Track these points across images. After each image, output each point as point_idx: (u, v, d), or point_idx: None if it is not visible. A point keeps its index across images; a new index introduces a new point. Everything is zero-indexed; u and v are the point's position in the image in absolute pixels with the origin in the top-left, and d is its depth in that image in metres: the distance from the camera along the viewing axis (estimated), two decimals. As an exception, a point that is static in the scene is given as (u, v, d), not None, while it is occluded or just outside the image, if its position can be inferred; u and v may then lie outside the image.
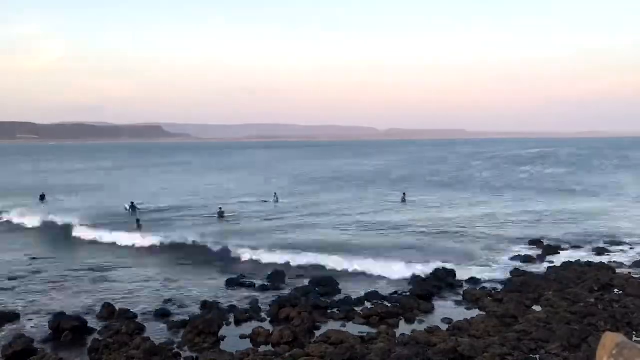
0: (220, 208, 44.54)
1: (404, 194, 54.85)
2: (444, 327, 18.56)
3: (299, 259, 28.43)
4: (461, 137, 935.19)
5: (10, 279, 25.27)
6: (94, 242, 34.40)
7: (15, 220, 43.23)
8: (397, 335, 17.70)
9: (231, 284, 24.22)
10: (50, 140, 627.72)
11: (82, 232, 37.04)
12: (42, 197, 54.65)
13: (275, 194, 54.60)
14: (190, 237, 33.31)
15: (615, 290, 22.19)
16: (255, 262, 28.37)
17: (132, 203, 47.05)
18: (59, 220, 40.58)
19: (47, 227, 39.69)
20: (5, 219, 43.89)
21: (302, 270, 26.77)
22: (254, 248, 30.39)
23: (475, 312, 20.18)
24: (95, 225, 38.23)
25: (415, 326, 18.99)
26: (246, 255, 29.71)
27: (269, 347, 16.99)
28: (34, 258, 29.16)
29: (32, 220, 42.05)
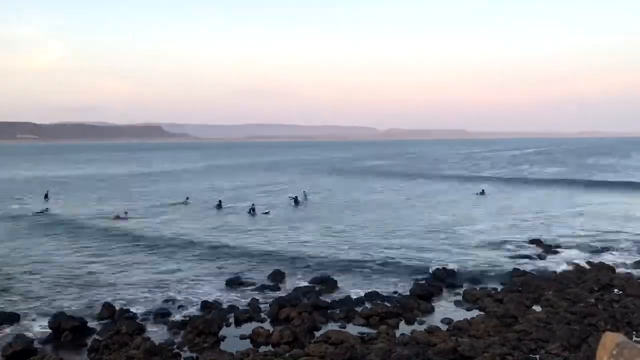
0: (253, 205, 46.74)
1: (483, 190, 59.04)
2: (444, 327, 18.55)
3: (299, 259, 28.47)
4: (461, 137, 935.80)
5: (10, 279, 25.22)
6: (96, 242, 34.33)
7: (18, 218, 43.39)
8: (397, 335, 17.69)
9: (231, 284, 24.20)
10: (50, 140, 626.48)
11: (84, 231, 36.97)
12: (46, 196, 55.60)
13: (305, 192, 56.94)
14: (190, 235, 33.20)
15: (615, 290, 22.18)
16: (255, 262, 28.33)
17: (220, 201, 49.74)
18: (60, 218, 40.46)
19: (47, 226, 39.67)
20: (11, 216, 44.09)
21: (303, 269, 26.77)
22: (259, 246, 30.35)
23: (475, 312, 20.16)
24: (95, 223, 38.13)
25: (415, 326, 18.96)
26: (248, 254, 29.73)
27: (269, 347, 16.96)
28: (33, 258, 29.12)
29: (32, 219, 42.12)
